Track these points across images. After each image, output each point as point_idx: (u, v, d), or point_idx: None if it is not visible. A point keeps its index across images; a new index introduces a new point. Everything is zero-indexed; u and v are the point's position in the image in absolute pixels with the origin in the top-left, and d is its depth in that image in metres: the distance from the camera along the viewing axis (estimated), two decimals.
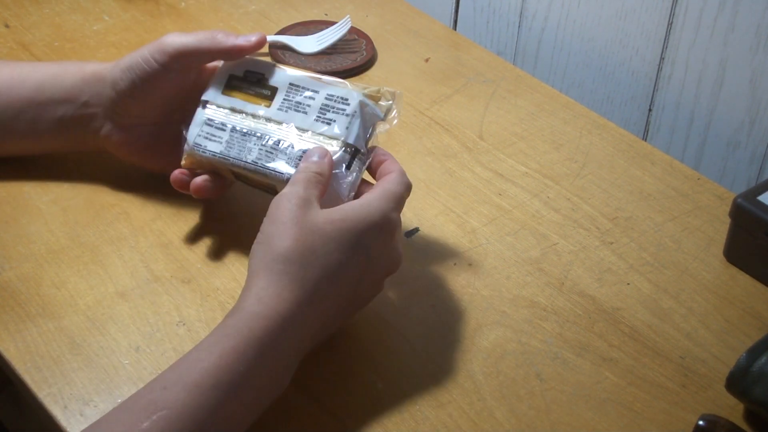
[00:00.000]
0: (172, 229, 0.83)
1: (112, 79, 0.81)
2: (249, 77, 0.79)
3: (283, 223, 0.68)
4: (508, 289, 0.80)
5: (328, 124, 0.75)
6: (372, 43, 1.08)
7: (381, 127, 0.77)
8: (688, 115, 1.06)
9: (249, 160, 0.76)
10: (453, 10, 1.25)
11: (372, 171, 0.76)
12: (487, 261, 0.82)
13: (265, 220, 0.69)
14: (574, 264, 0.83)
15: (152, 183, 0.86)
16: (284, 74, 0.79)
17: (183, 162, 0.80)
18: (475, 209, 0.87)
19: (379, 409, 0.70)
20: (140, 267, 0.79)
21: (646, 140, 1.11)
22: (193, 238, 0.82)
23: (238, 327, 0.64)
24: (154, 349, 0.72)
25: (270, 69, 0.79)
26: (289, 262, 0.66)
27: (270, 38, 1.06)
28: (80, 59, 1.02)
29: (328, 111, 0.76)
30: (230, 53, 0.79)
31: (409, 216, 0.86)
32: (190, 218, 0.84)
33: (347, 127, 0.75)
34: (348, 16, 1.08)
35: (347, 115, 0.75)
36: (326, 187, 0.72)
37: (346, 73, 1.03)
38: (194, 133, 0.79)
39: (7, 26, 1.06)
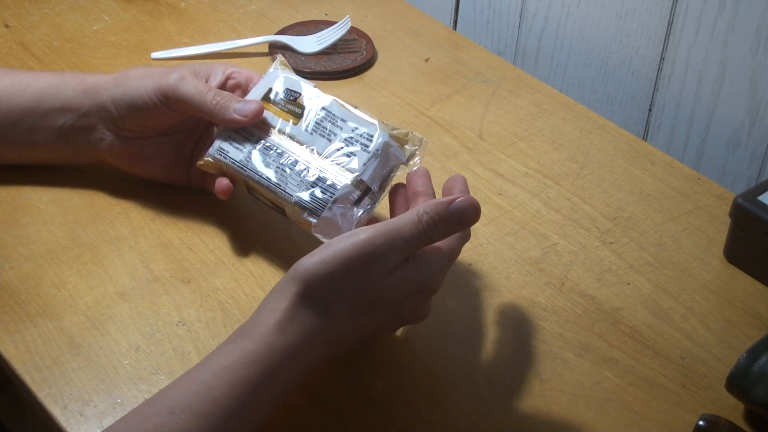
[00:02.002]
0: (172, 229, 0.83)
1: (113, 96, 0.80)
2: (287, 94, 0.79)
3: (361, 269, 0.64)
4: (508, 289, 0.80)
5: (348, 156, 0.75)
6: (372, 43, 1.08)
7: (400, 171, 0.76)
8: (688, 115, 1.06)
9: (264, 175, 0.76)
10: (453, 10, 1.25)
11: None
12: (487, 261, 0.82)
13: (346, 236, 0.65)
14: (574, 264, 0.83)
15: (152, 183, 0.86)
16: (320, 97, 0.78)
17: (200, 163, 0.80)
18: None
19: (379, 409, 0.70)
20: (140, 267, 0.79)
21: (646, 140, 1.11)
22: (193, 238, 0.82)
23: (254, 357, 0.62)
24: (153, 349, 0.72)
25: (308, 90, 0.79)
26: (319, 291, 0.64)
27: (270, 38, 1.06)
28: (80, 59, 1.02)
29: (351, 144, 0.75)
30: (224, 124, 0.79)
31: None
32: (190, 218, 0.84)
33: (365, 164, 0.74)
34: (348, 16, 1.07)
35: (368, 152, 0.75)
36: (424, 245, 0.67)
37: (346, 73, 1.03)
38: (223, 137, 0.79)
39: (7, 26, 1.06)
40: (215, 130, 0.80)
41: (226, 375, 0.61)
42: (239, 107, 0.78)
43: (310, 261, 0.64)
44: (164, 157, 0.84)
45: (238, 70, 0.82)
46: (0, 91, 0.82)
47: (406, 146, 0.76)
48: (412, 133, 0.77)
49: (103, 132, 0.82)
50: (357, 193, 0.74)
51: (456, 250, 0.70)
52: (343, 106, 0.78)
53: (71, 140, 0.83)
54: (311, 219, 0.73)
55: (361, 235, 0.64)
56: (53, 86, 0.82)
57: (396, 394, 0.71)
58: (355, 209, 0.73)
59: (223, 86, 0.81)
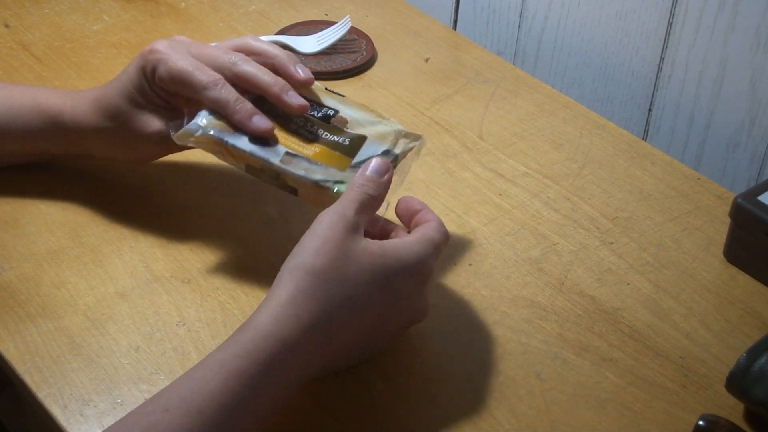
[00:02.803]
0: (172, 229, 0.83)
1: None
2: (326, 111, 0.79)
3: (323, 241, 0.66)
4: (508, 289, 0.80)
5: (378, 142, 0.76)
6: (372, 43, 1.08)
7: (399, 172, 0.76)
8: (688, 115, 1.06)
9: (275, 162, 0.74)
10: (453, 10, 1.25)
11: (405, 220, 0.73)
12: (487, 261, 0.82)
13: (308, 231, 0.67)
14: (574, 264, 0.83)
15: (152, 183, 0.86)
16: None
17: (180, 134, 0.76)
18: (475, 209, 0.87)
19: (379, 409, 0.70)
20: (140, 267, 0.79)
21: (646, 140, 1.11)
22: (193, 238, 0.82)
23: (248, 348, 0.62)
24: (154, 349, 0.72)
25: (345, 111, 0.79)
26: (318, 279, 0.64)
27: (270, 38, 1.06)
28: (80, 59, 1.02)
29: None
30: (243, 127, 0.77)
31: None
32: (190, 218, 0.84)
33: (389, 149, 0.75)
34: (348, 16, 1.08)
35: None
36: (376, 209, 0.70)
37: (346, 73, 1.03)
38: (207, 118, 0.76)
39: (7, 26, 1.06)
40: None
41: (220, 369, 0.61)
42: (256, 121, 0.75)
43: (302, 252, 0.66)
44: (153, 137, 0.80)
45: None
46: None
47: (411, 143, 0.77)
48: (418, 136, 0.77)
49: (100, 150, 0.82)
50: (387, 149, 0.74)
51: (432, 240, 0.71)
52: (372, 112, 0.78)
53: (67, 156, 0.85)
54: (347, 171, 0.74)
55: (324, 218, 0.67)
56: (30, 124, 0.82)
57: (396, 394, 0.71)
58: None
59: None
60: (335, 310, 0.65)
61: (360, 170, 0.71)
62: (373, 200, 0.69)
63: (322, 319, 0.64)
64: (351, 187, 0.70)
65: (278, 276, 0.66)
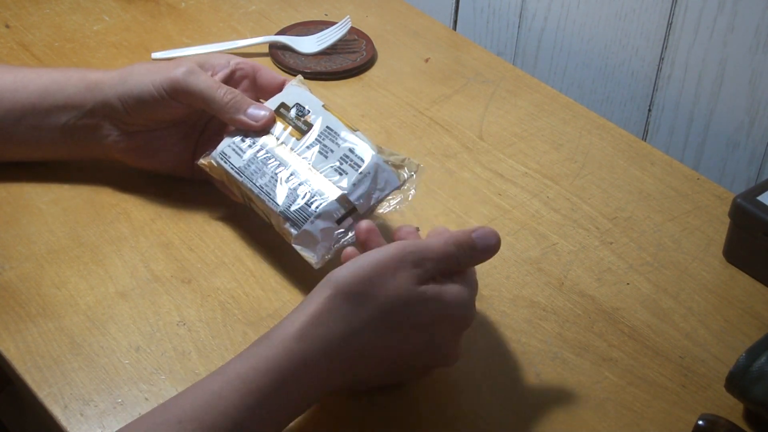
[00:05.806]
0: (172, 229, 0.83)
1: (119, 93, 0.80)
2: (298, 109, 0.79)
3: (373, 266, 0.64)
4: (508, 289, 0.80)
5: (340, 174, 0.75)
6: (372, 43, 1.08)
7: (395, 200, 0.75)
8: (687, 115, 1.07)
9: (257, 184, 0.76)
10: (453, 10, 1.25)
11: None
12: (487, 261, 0.82)
13: (373, 251, 0.66)
14: (573, 264, 0.83)
15: (152, 183, 0.86)
16: (325, 116, 0.78)
17: (202, 162, 0.80)
18: (475, 209, 0.88)
19: (379, 410, 0.70)
20: (140, 267, 0.79)
21: (645, 140, 1.11)
22: (194, 238, 0.82)
23: (269, 364, 0.61)
24: (154, 349, 0.72)
25: (316, 108, 0.79)
26: (351, 302, 0.63)
27: (270, 38, 1.06)
28: (80, 59, 1.02)
29: (345, 162, 0.75)
30: (233, 123, 0.79)
31: (409, 216, 0.86)
32: (190, 218, 0.84)
33: (354, 184, 0.74)
34: (348, 16, 1.08)
35: (360, 172, 0.74)
36: (454, 268, 0.68)
37: (346, 73, 1.03)
38: (227, 142, 0.79)
39: (7, 26, 1.06)
40: (225, 131, 0.80)
41: (239, 384, 0.60)
42: (251, 111, 0.78)
43: (344, 267, 0.64)
44: (170, 149, 0.83)
45: (243, 60, 0.83)
46: (2, 87, 0.82)
47: (402, 171, 0.76)
48: (408, 159, 0.76)
49: (108, 129, 0.82)
50: (341, 212, 0.73)
51: (476, 284, 0.70)
52: (346, 125, 0.78)
53: (75, 137, 0.83)
54: (292, 230, 0.74)
55: (393, 245, 0.66)
56: (56, 82, 0.82)
57: (396, 395, 0.71)
58: (336, 226, 0.73)
59: (230, 78, 0.82)
60: (362, 331, 0.63)
61: (467, 232, 0.69)
62: (456, 262, 0.68)
63: (347, 340, 0.63)
64: (444, 239, 0.68)
65: (316, 288, 0.64)
